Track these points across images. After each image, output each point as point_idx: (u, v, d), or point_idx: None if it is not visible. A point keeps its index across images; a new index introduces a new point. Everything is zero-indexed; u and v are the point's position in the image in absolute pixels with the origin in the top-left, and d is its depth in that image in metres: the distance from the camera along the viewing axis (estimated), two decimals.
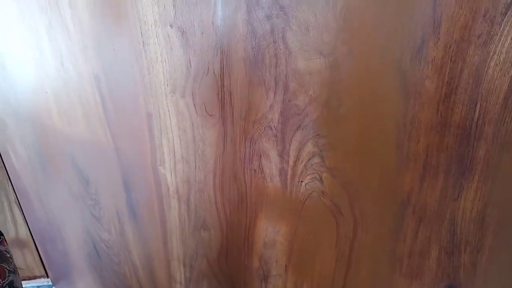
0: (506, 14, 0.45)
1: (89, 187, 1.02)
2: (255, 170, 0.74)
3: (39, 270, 1.47)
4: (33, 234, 1.34)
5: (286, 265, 0.84)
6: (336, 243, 0.74)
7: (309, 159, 0.67)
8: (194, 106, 0.73)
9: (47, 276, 1.49)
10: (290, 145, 0.68)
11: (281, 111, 0.65)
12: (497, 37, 0.47)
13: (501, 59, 0.48)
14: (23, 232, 1.35)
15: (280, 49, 0.60)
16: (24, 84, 0.90)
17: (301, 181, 0.70)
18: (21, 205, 1.26)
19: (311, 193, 0.71)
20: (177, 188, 0.87)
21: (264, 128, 0.68)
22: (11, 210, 1.29)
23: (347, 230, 0.71)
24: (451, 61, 0.50)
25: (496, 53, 0.48)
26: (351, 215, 0.69)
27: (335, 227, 0.72)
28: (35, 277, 1.50)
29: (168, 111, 0.76)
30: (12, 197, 1.26)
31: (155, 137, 0.81)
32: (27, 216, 1.28)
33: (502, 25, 0.46)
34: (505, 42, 0.47)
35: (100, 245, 1.16)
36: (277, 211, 0.77)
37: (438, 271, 0.66)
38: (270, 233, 0.81)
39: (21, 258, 1.43)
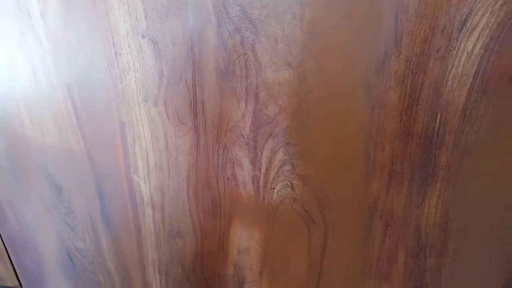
0: (462, 30, 0.48)
1: (62, 196, 1.01)
2: (228, 178, 0.75)
3: (11, 280, 1.44)
4: (5, 244, 1.32)
5: (260, 272, 0.85)
6: (308, 249, 0.75)
7: (280, 167, 0.69)
8: (167, 115, 0.73)
9: (21, 286, 1.46)
10: (262, 153, 0.69)
11: (252, 120, 0.67)
12: (455, 51, 0.49)
13: (459, 72, 0.50)
14: None
15: (250, 61, 0.61)
16: None
17: (273, 188, 0.72)
18: None
19: (283, 199, 0.72)
20: (151, 196, 0.87)
21: (237, 136, 0.70)
22: None
23: (318, 236, 0.72)
24: (412, 73, 0.52)
25: (454, 66, 0.50)
26: (322, 222, 0.71)
27: (307, 233, 0.73)
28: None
29: (141, 119, 0.76)
30: None
31: (128, 145, 0.81)
32: (0, 227, 1.26)
33: (459, 40, 0.48)
34: (462, 56, 0.49)
35: (74, 253, 1.15)
36: (250, 218, 0.78)
37: (405, 274, 0.68)
38: (244, 240, 0.82)
39: None
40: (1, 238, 1.30)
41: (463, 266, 0.64)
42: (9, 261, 1.37)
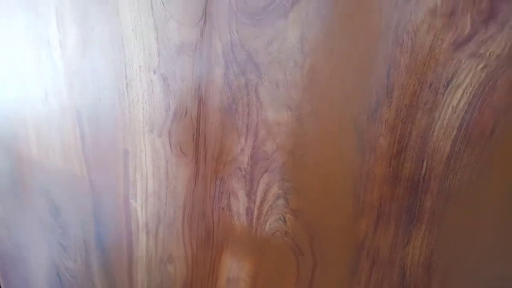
0: (447, 86, 0.52)
1: (59, 217, 1.03)
2: (223, 208, 0.78)
3: None
4: None
5: None
6: (296, 283, 0.77)
7: (274, 200, 0.72)
8: (170, 145, 0.77)
9: None
10: (257, 186, 0.72)
11: (250, 155, 0.70)
12: (441, 105, 0.54)
13: (445, 124, 0.54)
14: None
15: (253, 101, 0.65)
16: (5, 113, 0.92)
17: (266, 221, 0.74)
18: None
19: (275, 232, 0.75)
20: (146, 221, 0.89)
21: (234, 169, 0.73)
22: None
23: (307, 270, 0.75)
24: (402, 122, 0.57)
25: (440, 118, 0.54)
26: (311, 255, 0.73)
27: (296, 267, 0.76)
28: None
29: (145, 148, 0.79)
30: None
31: (130, 172, 0.84)
32: None
33: (445, 96, 0.53)
34: (447, 110, 0.54)
35: (64, 273, 1.16)
36: (242, 249, 0.80)
37: None
38: (234, 269, 0.84)
39: None
40: None
41: None
42: None
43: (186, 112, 0.72)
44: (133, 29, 0.69)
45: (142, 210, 0.88)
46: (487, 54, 0.49)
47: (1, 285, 1.39)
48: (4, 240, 1.21)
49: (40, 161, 0.95)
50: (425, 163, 0.58)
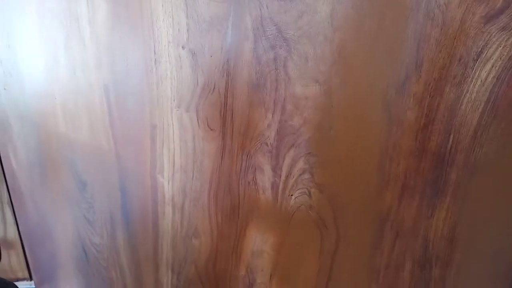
0: (477, 60, 0.53)
1: (86, 191, 1.06)
2: (249, 183, 0.80)
3: (22, 273, 1.47)
4: (22, 235, 1.35)
5: (271, 275, 0.88)
6: (319, 255, 0.79)
7: (300, 175, 0.74)
8: (197, 120, 0.78)
9: (31, 279, 1.49)
10: (283, 161, 0.74)
11: (277, 130, 0.72)
12: (470, 78, 0.54)
13: (473, 97, 0.55)
14: (12, 233, 1.36)
15: (281, 76, 0.67)
16: (34, 89, 0.94)
17: (291, 195, 0.76)
18: (13, 206, 1.28)
19: (300, 206, 0.76)
20: (173, 196, 0.91)
21: (261, 144, 0.74)
22: (2, 210, 1.31)
23: (330, 243, 0.77)
24: (430, 96, 0.58)
25: (469, 92, 0.55)
26: (334, 229, 0.75)
27: (320, 240, 0.78)
28: (17, 279, 1.49)
29: (172, 123, 0.81)
30: (5, 198, 1.28)
31: (157, 147, 0.86)
32: (18, 217, 1.30)
33: (474, 69, 0.54)
34: (476, 83, 0.54)
35: (90, 248, 1.19)
36: (267, 222, 0.83)
37: (411, 283, 0.72)
38: (259, 243, 0.86)
39: (6, 259, 1.43)
40: (18, 229, 1.34)
41: (467, 278, 0.68)
42: (23, 253, 1.41)
43: (214, 87, 0.73)
44: (163, 5, 0.70)
45: (168, 184, 0.90)
46: None
47: (29, 264, 1.43)
48: (31, 215, 1.24)
49: (67, 135, 0.97)
50: (451, 136, 0.59)
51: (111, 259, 1.17)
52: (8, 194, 1.25)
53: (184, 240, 0.97)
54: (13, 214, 1.30)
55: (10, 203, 1.27)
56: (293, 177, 0.74)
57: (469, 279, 0.68)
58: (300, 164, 0.72)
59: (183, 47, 0.72)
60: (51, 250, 1.31)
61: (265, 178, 0.78)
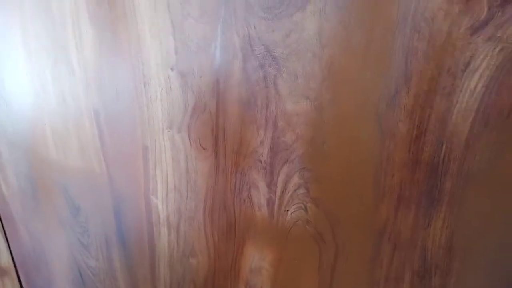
0: (465, 71, 0.53)
1: (79, 215, 1.05)
2: (244, 200, 0.79)
3: None
4: (16, 262, 1.34)
5: None
6: (319, 270, 0.79)
7: (295, 190, 0.73)
8: (189, 140, 0.78)
9: None
10: (278, 177, 0.74)
11: (270, 146, 0.71)
12: (459, 89, 0.55)
13: (463, 107, 0.55)
14: (5, 260, 1.35)
15: (271, 93, 0.67)
16: (23, 115, 0.94)
17: (287, 210, 0.76)
18: (6, 232, 1.26)
19: (296, 221, 0.76)
20: (167, 216, 0.91)
21: (254, 161, 0.74)
22: None
23: (328, 257, 0.76)
24: (420, 107, 0.58)
25: (459, 102, 0.55)
26: (332, 243, 0.74)
27: (318, 254, 0.77)
28: None
29: (164, 144, 0.81)
30: None
31: (150, 168, 0.86)
32: (11, 243, 1.28)
33: (463, 80, 0.54)
34: (465, 94, 0.55)
35: (86, 272, 1.18)
36: (264, 239, 0.82)
37: None
38: (257, 260, 0.85)
39: (0, 287, 1.41)
40: (12, 256, 1.33)
41: (467, 286, 0.67)
42: (17, 279, 1.39)
43: (205, 107, 0.73)
44: (149, 29, 0.70)
45: (163, 205, 0.89)
46: (504, 37, 0.50)
47: (23, 286, 1.41)
48: (25, 242, 1.23)
49: (58, 160, 0.96)
50: (444, 146, 0.59)
51: (108, 282, 1.16)
52: (0, 220, 1.24)
53: (181, 260, 0.96)
54: (6, 240, 1.29)
55: (2, 229, 1.26)
56: (288, 192, 0.74)
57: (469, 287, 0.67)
58: (295, 180, 0.72)
59: (172, 69, 0.72)
60: (46, 275, 1.29)
61: (260, 195, 0.77)
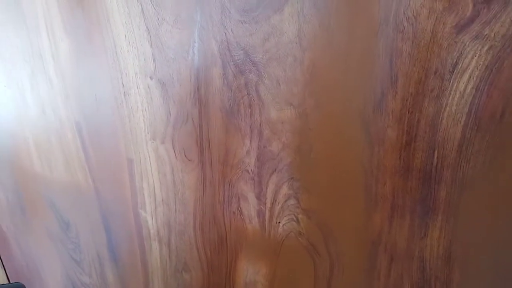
0: (453, 72, 0.50)
1: (69, 231, 1.03)
2: (234, 212, 0.77)
3: None
4: (9, 278, 1.32)
5: None
6: (314, 283, 0.76)
7: (285, 201, 0.70)
8: (174, 152, 0.76)
9: None
10: (267, 187, 0.71)
11: (257, 156, 0.69)
12: (448, 91, 0.52)
13: (453, 110, 0.52)
14: (0, 278, 1.33)
15: (254, 101, 0.64)
16: (4, 128, 0.92)
17: (279, 222, 0.73)
18: None
19: (289, 233, 0.73)
20: (158, 230, 0.88)
21: (242, 172, 0.72)
22: None
23: (324, 269, 0.73)
24: (408, 112, 0.55)
25: (448, 105, 0.52)
26: (327, 255, 0.71)
27: (313, 267, 0.74)
28: None
29: (149, 156, 0.78)
30: None
31: (136, 181, 0.83)
32: (5, 261, 1.27)
33: (451, 81, 0.51)
34: (454, 96, 0.52)
35: None
36: (256, 252, 0.79)
37: None
38: (251, 273, 0.82)
39: None
40: (6, 273, 1.31)
41: None
42: None
43: (187, 117, 0.71)
44: (125, 35, 0.68)
45: (152, 219, 0.87)
46: (492, 35, 0.47)
47: None
48: (18, 259, 1.21)
49: (43, 174, 0.95)
50: (436, 152, 0.56)
51: None
52: None
53: (174, 275, 0.94)
54: None
55: None
56: (279, 203, 0.71)
57: None
58: (284, 190, 0.69)
59: (151, 78, 0.70)
60: None
61: (250, 207, 0.74)
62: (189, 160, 0.75)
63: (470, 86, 0.50)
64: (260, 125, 0.66)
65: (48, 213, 1.02)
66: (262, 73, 0.61)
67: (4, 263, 1.28)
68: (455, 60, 0.50)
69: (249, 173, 0.71)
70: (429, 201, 0.59)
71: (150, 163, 0.79)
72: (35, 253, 1.16)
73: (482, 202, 0.57)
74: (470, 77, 0.50)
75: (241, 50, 0.61)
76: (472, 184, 0.56)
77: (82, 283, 1.13)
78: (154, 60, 0.68)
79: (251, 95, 0.64)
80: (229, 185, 0.74)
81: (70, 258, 1.08)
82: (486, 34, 0.47)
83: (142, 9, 0.66)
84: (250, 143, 0.68)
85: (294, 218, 0.71)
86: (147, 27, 0.67)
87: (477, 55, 0.48)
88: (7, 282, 1.32)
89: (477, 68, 0.49)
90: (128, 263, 0.99)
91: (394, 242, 0.65)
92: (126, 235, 0.94)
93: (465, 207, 0.58)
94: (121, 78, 0.73)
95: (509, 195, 0.54)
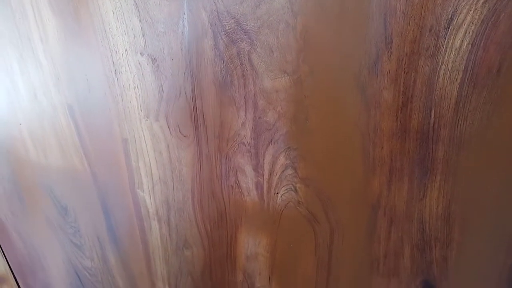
0: (448, 28, 0.50)
1: (68, 216, 1.02)
2: (232, 186, 0.77)
3: None
4: (12, 268, 1.32)
5: (269, 277, 0.85)
6: (315, 251, 0.76)
7: (282, 171, 0.70)
8: (169, 128, 0.75)
9: None
10: (263, 159, 0.71)
11: (252, 127, 0.68)
12: (443, 48, 0.51)
13: (449, 68, 0.52)
14: (2, 267, 1.33)
15: (247, 70, 0.63)
16: (0, 117, 0.91)
17: (277, 193, 0.73)
18: None
19: (287, 203, 0.73)
20: (156, 209, 0.88)
21: (238, 144, 0.71)
22: None
23: (324, 237, 0.74)
24: (404, 72, 0.54)
25: (444, 63, 0.52)
26: (326, 222, 0.72)
27: (313, 235, 0.75)
28: None
29: (143, 135, 0.78)
30: None
31: (132, 161, 0.83)
32: (5, 250, 1.26)
33: (446, 38, 0.50)
34: (450, 53, 0.51)
35: (82, 273, 1.16)
36: (256, 224, 0.79)
37: (413, 268, 0.69)
38: (252, 246, 0.83)
39: None
40: (8, 262, 1.31)
41: (469, 256, 0.65)
42: (16, 285, 1.37)
43: (180, 92, 0.70)
44: (113, 11, 0.67)
45: (150, 198, 0.87)
46: None
47: None
48: (19, 248, 1.21)
49: (38, 161, 0.93)
50: (433, 112, 0.56)
51: (106, 281, 1.14)
52: None
53: (176, 253, 0.94)
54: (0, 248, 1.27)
55: None
56: (276, 174, 0.71)
57: (472, 257, 0.65)
58: (282, 160, 0.69)
59: (141, 54, 0.68)
60: (44, 279, 1.28)
61: (247, 179, 0.74)
62: (184, 136, 0.75)
63: (466, 42, 0.50)
64: (254, 95, 0.65)
65: (46, 200, 1.01)
66: (254, 42, 0.60)
67: (5, 253, 1.27)
68: (450, 16, 0.49)
69: (245, 145, 0.71)
70: (427, 162, 0.59)
71: (145, 142, 0.78)
72: (35, 241, 1.16)
73: (480, 159, 0.57)
74: (465, 32, 0.49)
75: (232, 19, 0.60)
76: (470, 142, 0.56)
77: (84, 267, 1.13)
78: (143, 35, 0.67)
79: (244, 65, 0.63)
80: (226, 159, 0.74)
81: (71, 243, 1.08)
82: None
83: None
84: (245, 114, 0.67)
85: (292, 188, 0.71)
86: (135, 2, 0.65)
87: (473, 9, 0.48)
88: (10, 272, 1.32)
89: (472, 23, 0.48)
90: (129, 243, 0.99)
91: (393, 205, 0.65)
92: (125, 216, 0.94)
93: (464, 165, 0.58)
94: (111, 56, 0.71)
95: (508, 151, 0.55)
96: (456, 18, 0.49)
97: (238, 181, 0.75)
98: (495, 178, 0.58)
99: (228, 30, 0.61)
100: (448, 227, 0.64)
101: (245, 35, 0.60)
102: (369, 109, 0.58)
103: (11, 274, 1.34)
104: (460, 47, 0.50)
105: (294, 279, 0.83)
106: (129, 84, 0.73)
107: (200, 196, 0.82)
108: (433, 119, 0.56)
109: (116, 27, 0.68)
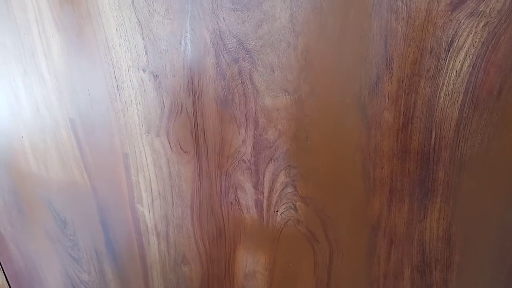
0: (449, 50, 0.50)
1: (67, 229, 1.02)
2: (231, 203, 0.76)
3: None
4: (9, 280, 1.31)
5: None
6: (314, 270, 0.76)
7: (282, 189, 0.70)
8: (169, 144, 0.75)
9: None
10: (263, 176, 0.70)
11: (253, 145, 0.68)
12: (444, 70, 0.51)
13: (450, 90, 0.52)
14: None
15: (248, 89, 0.63)
16: (2, 130, 0.91)
17: (277, 211, 0.73)
18: None
19: (287, 221, 0.73)
20: (155, 224, 0.88)
21: (238, 161, 0.71)
22: None
23: (323, 256, 0.73)
24: (405, 93, 0.54)
25: (445, 84, 0.52)
26: (326, 242, 0.71)
27: (312, 254, 0.74)
28: None
29: (144, 150, 0.78)
30: None
31: (132, 176, 0.83)
32: (3, 262, 1.26)
33: (447, 60, 0.51)
34: (451, 75, 0.51)
35: (79, 286, 1.15)
36: (255, 242, 0.79)
37: None
38: (250, 264, 0.82)
39: None
40: (5, 274, 1.30)
41: (469, 278, 0.64)
42: None
43: (181, 108, 0.70)
44: (116, 29, 0.67)
45: (149, 213, 0.86)
46: (487, 11, 0.47)
47: None
48: (16, 260, 1.20)
49: (39, 173, 0.94)
50: (433, 133, 0.56)
51: None
52: None
53: (174, 269, 0.93)
54: None
55: None
56: (276, 192, 0.71)
57: (472, 280, 0.64)
58: (282, 178, 0.69)
59: (144, 70, 0.69)
60: None
61: (247, 197, 0.74)
62: (185, 152, 0.75)
63: (466, 64, 0.50)
64: (255, 113, 0.65)
65: (45, 212, 1.01)
66: (256, 61, 0.61)
67: (2, 265, 1.27)
68: (450, 39, 0.49)
69: (245, 162, 0.70)
70: (428, 183, 0.59)
71: (146, 157, 0.78)
72: (33, 253, 1.15)
73: (481, 181, 0.57)
74: (466, 55, 0.49)
75: (234, 38, 0.60)
76: (471, 164, 0.56)
77: (81, 280, 1.12)
78: (146, 53, 0.68)
79: (245, 83, 0.63)
80: (226, 175, 0.74)
81: (69, 256, 1.08)
82: (482, 11, 0.47)
83: (133, 1, 0.65)
84: (245, 132, 0.67)
85: (292, 206, 0.71)
86: (138, 19, 0.66)
87: (473, 32, 0.48)
88: (7, 284, 1.31)
89: (473, 46, 0.49)
90: (127, 258, 0.99)
91: (394, 226, 0.64)
92: (124, 230, 0.93)
93: (465, 187, 0.58)
94: (114, 72, 0.72)
95: (508, 174, 0.54)
96: (457, 41, 0.49)
97: (237, 198, 0.75)
98: (496, 200, 0.58)
99: (230, 49, 0.61)
100: (448, 249, 0.63)
101: (246, 54, 0.61)
102: (370, 129, 0.58)
103: (8, 286, 1.33)
104: (460, 69, 0.51)
105: None
106: (131, 100, 0.73)
107: (199, 212, 0.81)
108: (433, 140, 0.56)
109: (119, 44, 0.69)
